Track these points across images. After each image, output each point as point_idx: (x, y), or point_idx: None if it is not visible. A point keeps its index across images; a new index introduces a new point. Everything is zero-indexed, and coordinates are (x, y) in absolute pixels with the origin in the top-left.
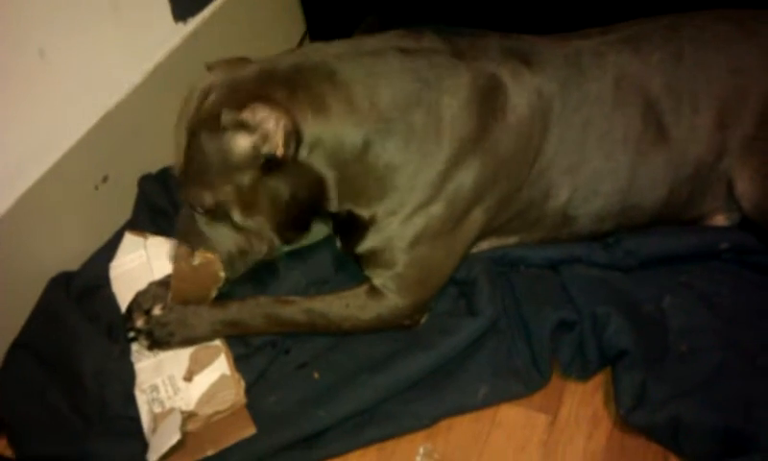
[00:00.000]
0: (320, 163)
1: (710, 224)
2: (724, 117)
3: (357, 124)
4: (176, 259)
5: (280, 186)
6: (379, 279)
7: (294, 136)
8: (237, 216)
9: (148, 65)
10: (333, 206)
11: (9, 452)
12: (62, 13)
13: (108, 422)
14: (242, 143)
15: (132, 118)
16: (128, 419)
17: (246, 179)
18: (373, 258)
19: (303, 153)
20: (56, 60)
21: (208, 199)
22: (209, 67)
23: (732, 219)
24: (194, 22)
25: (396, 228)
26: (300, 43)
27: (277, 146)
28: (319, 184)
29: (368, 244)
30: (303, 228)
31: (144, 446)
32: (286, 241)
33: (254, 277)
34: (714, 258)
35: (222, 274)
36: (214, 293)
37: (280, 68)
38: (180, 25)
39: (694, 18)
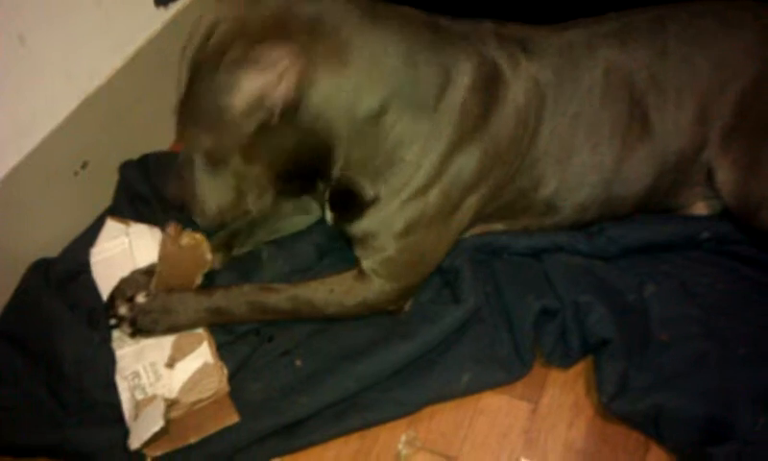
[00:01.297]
0: (332, 117)
1: (692, 213)
2: (706, 111)
3: (377, 83)
4: (163, 241)
5: (287, 136)
6: (368, 261)
7: (309, 82)
8: (236, 163)
9: (128, 51)
10: (336, 170)
11: None
12: None
13: (87, 409)
14: (252, 83)
15: (113, 104)
16: (107, 406)
17: (250, 124)
18: (366, 240)
19: (317, 101)
20: (36, 46)
21: (207, 142)
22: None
23: (713, 207)
24: (175, 7)
25: (394, 211)
26: None
27: (290, 89)
28: (327, 141)
29: (364, 225)
30: (302, 187)
31: (124, 433)
32: (283, 193)
33: (238, 265)
34: (696, 248)
35: (208, 256)
36: (199, 280)
37: (303, 10)
38: (162, 10)
39: (680, 11)
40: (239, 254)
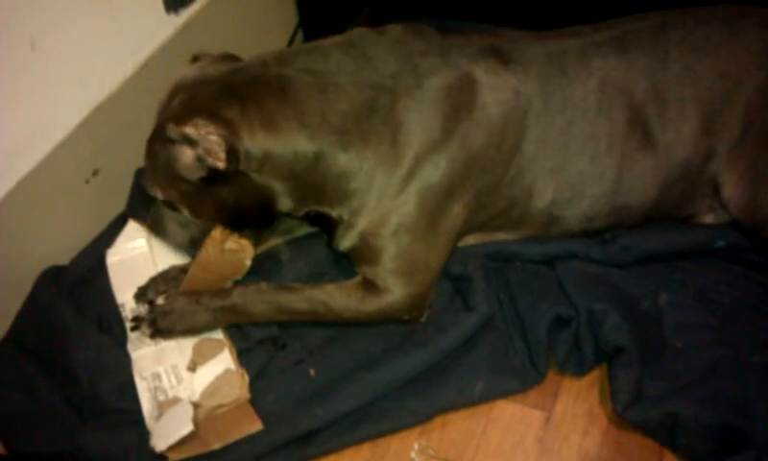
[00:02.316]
0: (268, 175)
1: (702, 222)
2: (711, 123)
3: (308, 139)
4: (205, 244)
5: (225, 194)
6: (369, 275)
7: (237, 152)
8: (186, 214)
9: (139, 58)
10: (287, 208)
11: (1, 449)
12: (54, 5)
13: (101, 415)
14: (186, 155)
15: (124, 111)
16: (121, 411)
17: (189, 186)
18: (357, 255)
19: (252, 166)
20: (47, 52)
21: (158, 195)
22: (195, 58)
23: (721, 217)
24: (186, 13)
25: (368, 225)
26: (293, 35)
27: (220, 160)
28: (267, 192)
29: (347, 242)
30: (260, 224)
31: (138, 438)
32: (240, 231)
33: (257, 266)
34: (710, 256)
35: (248, 262)
36: (228, 285)
37: (239, 80)
38: (172, 16)
39: (684, 18)
40: (257, 253)
